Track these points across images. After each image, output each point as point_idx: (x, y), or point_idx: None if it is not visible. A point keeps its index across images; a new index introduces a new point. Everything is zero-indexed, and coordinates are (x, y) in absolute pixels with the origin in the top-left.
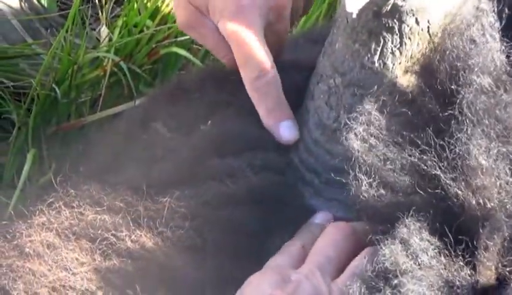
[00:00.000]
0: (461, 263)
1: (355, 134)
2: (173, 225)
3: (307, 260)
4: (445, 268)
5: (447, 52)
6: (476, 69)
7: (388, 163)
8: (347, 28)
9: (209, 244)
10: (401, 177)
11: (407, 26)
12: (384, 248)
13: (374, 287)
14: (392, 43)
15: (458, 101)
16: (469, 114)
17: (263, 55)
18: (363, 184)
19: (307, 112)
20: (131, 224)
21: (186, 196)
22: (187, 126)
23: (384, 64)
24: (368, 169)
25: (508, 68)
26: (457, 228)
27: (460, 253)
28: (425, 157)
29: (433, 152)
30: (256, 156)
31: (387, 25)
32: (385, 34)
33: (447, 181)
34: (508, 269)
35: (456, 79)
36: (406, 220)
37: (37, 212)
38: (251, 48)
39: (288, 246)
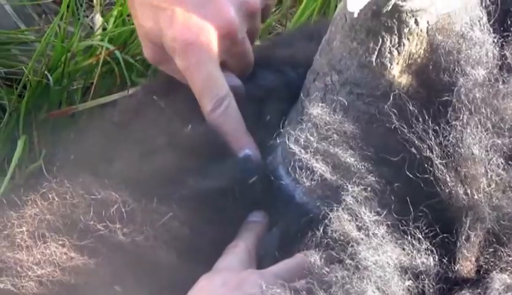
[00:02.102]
0: (425, 247)
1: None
2: (164, 222)
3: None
4: (401, 247)
5: (438, 48)
6: (469, 61)
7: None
8: (346, 26)
9: (196, 241)
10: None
11: (407, 26)
12: (331, 217)
13: (333, 256)
14: (391, 43)
15: (455, 89)
16: (467, 102)
17: (215, 87)
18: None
19: (302, 109)
20: (125, 217)
21: (175, 193)
22: (181, 117)
23: (382, 63)
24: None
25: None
26: (441, 215)
27: (426, 237)
28: (416, 141)
29: (428, 136)
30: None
31: (386, 25)
32: (383, 33)
33: (440, 166)
34: (488, 262)
35: (450, 72)
36: (353, 189)
37: (30, 202)
38: (203, 83)
39: (232, 247)
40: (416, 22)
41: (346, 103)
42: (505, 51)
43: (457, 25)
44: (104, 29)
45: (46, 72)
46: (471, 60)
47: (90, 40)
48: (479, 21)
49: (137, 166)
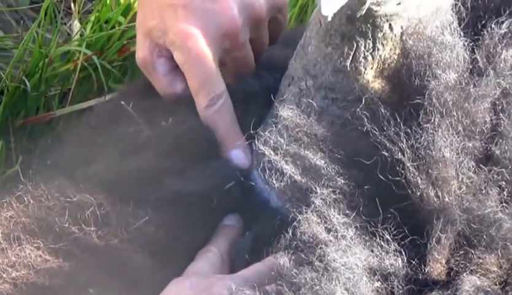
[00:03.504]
0: (394, 248)
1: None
2: (139, 226)
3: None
4: (370, 248)
5: (409, 52)
6: (440, 65)
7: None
8: (321, 31)
9: (171, 245)
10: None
11: (381, 31)
12: (300, 219)
13: (302, 258)
14: (365, 47)
15: (427, 92)
16: (438, 105)
17: (213, 84)
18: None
19: (277, 112)
20: (100, 220)
21: (152, 195)
22: (156, 122)
23: (356, 68)
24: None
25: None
26: (412, 218)
27: (395, 239)
28: (388, 143)
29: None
30: (210, 160)
31: (360, 30)
32: (358, 38)
33: (411, 169)
34: (458, 264)
35: (421, 76)
36: (321, 191)
37: (5, 204)
38: (201, 77)
39: (204, 252)
40: (390, 27)
41: (321, 108)
42: (476, 55)
43: (428, 29)
44: (82, 35)
45: (24, 78)
46: (441, 64)
47: (68, 46)
48: (449, 25)
49: (114, 168)
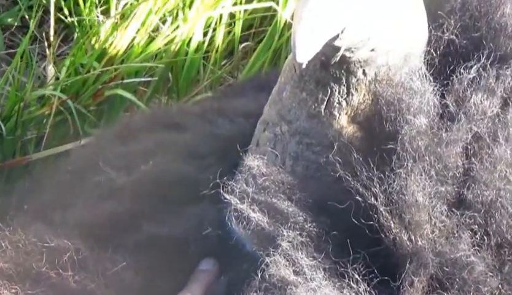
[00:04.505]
0: (364, 289)
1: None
2: (116, 271)
3: None
4: (339, 290)
5: (379, 98)
6: (411, 110)
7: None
8: (295, 77)
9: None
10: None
11: (355, 77)
12: (268, 262)
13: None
14: (339, 93)
15: (399, 137)
16: (410, 150)
17: None
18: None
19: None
20: (77, 265)
21: (129, 240)
22: (134, 166)
23: (331, 113)
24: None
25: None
26: (385, 260)
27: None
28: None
29: (373, 183)
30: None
31: (334, 76)
32: (332, 84)
33: (384, 213)
34: None
35: (392, 121)
36: (290, 236)
37: None
38: None
39: None
40: (364, 72)
41: (296, 153)
42: (446, 100)
43: (397, 76)
44: (57, 78)
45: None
46: (412, 109)
47: (43, 90)
48: (418, 71)
49: (92, 213)
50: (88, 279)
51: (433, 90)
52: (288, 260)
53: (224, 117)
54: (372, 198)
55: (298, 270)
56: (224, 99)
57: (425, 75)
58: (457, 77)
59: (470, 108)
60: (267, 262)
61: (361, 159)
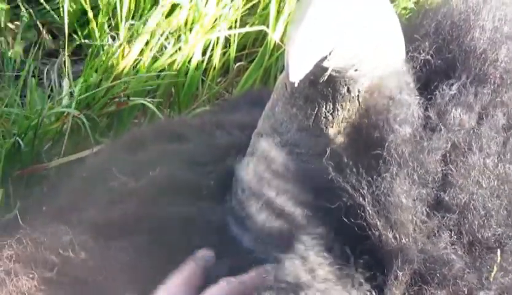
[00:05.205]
0: (362, 280)
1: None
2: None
3: None
4: (341, 283)
5: (369, 108)
6: (397, 120)
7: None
8: (286, 94)
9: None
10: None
11: (340, 94)
12: (285, 263)
13: None
14: (326, 108)
15: (386, 144)
16: (396, 156)
17: None
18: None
19: (247, 165)
20: (87, 256)
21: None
22: (142, 173)
23: (318, 126)
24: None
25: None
26: (372, 257)
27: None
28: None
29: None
30: (192, 203)
31: (322, 93)
32: (320, 100)
33: (371, 213)
34: None
35: (380, 129)
36: (302, 237)
37: (6, 246)
38: None
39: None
40: (348, 90)
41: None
42: (429, 113)
43: (387, 89)
44: (71, 94)
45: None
46: (398, 119)
47: (59, 108)
48: (407, 86)
49: (104, 214)
50: (96, 270)
51: (418, 103)
52: (301, 260)
53: (222, 129)
54: (361, 199)
55: (309, 269)
56: (221, 112)
57: (413, 90)
58: (439, 92)
59: (450, 120)
60: (282, 261)
61: (350, 163)
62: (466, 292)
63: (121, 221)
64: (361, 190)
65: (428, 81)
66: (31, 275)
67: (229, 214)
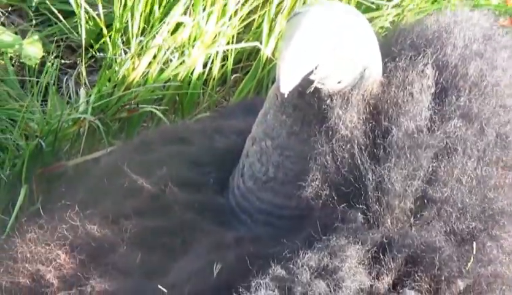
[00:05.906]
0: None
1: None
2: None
3: None
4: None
5: (388, 98)
6: (406, 115)
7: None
8: (277, 103)
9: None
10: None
11: (325, 103)
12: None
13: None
14: (312, 115)
15: (388, 137)
16: (396, 148)
17: None
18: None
19: (243, 166)
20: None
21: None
22: (150, 171)
23: (305, 131)
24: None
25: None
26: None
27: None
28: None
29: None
30: (196, 197)
31: (308, 102)
32: (306, 108)
33: (373, 198)
34: (402, 280)
35: (389, 118)
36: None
37: (29, 230)
38: None
39: None
40: (331, 100)
41: (277, 162)
42: (434, 116)
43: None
44: (87, 101)
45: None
46: (408, 114)
47: (77, 113)
48: (428, 89)
49: (117, 208)
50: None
51: (428, 106)
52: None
53: (221, 134)
54: (367, 183)
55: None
56: (220, 118)
57: (429, 94)
58: (447, 101)
59: (449, 127)
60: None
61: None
62: (445, 279)
63: (133, 214)
64: (367, 176)
65: (442, 90)
66: (49, 250)
67: (239, 223)
